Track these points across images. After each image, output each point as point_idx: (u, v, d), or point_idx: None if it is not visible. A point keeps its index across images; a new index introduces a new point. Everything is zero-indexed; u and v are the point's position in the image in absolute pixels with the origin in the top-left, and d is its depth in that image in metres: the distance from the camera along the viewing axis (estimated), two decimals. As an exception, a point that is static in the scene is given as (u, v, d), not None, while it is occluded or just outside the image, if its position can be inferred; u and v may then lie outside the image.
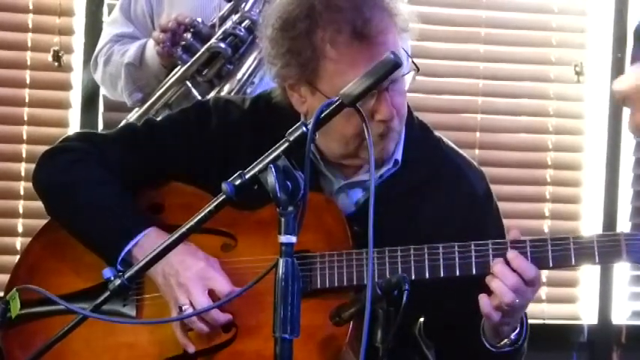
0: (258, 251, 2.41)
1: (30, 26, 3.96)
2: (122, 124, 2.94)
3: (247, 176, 1.86)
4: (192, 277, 2.39)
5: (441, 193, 2.50)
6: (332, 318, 2.24)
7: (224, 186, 1.87)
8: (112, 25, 3.43)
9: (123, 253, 2.42)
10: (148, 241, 2.42)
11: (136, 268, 1.94)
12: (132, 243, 2.42)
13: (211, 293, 2.40)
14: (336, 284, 2.37)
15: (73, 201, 2.52)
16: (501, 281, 2.27)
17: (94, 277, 2.41)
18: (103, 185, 2.51)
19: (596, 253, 2.30)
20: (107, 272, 1.95)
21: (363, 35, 2.34)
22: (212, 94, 3.12)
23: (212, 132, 2.54)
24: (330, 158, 2.49)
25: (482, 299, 2.29)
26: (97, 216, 2.49)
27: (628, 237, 2.29)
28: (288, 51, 2.39)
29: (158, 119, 2.69)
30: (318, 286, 2.37)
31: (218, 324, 2.40)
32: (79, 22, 3.98)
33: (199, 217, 1.90)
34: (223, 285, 2.40)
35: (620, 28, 4.25)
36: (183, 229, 1.91)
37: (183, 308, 2.39)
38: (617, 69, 4.21)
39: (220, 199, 1.87)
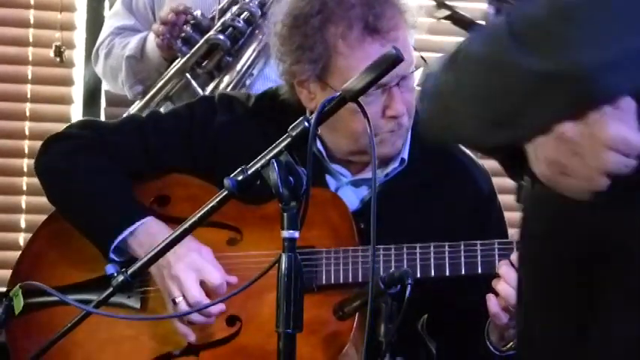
0: (263, 246, 2.41)
1: (31, 22, 3.95)
2: (125, 115, 2.94)
3: (249, 172, 1.86)
4: (184, 269, 2.39)
5: (447, 192, 2.51)
6: (335, 312, 2.24)
7: (226, 181, 1.86)
8: (113, 17, 3.43)
9: (117, 241, 2.42)
10: (144, 231, 2.42)
11: (138, 264, 1.94)
12: (127, 231, 2.42)
13: (203, 284, 2.40)
14: (341, 281, 2.36)
15: (71, 188, 2.53)
16: (507, 283, 2.27)
17: (98, 267, 2.41)
18: (103, 173, 2.52)
19: None
20: (110, 268, 1.94)
21: (374, 31, 2.35)
22: (211, 86, 3.12)
23: (216, 128, 2.53)
24: (337, 155, 2.49)
25: (491, 299, 2.29)
26: (95, 203, 2.49)
27: None
28: (299, 47, 2.39)
29: (162, 112, 2.69)
30: (323, 282, 2.37)
31: (211, 315, 2.40)
32: (80, 17, 3.98)
33: (202, 213, 1.89)
34: (215, 276, 2.40)
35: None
36: (186, 225, 1.91)
37: (176, 301, 2.39)
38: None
39: (223, 194, 1.87)
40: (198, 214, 1.90)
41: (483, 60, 1.47)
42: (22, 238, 3.91)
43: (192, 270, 2.40)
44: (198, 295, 2.38)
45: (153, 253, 1.94)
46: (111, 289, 1.92)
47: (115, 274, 1.93)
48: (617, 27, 1.37)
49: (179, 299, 2.39)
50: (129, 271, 1.92)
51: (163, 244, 1.94)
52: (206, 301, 2.38)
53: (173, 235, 1.94)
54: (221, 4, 3.17)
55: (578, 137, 1.42)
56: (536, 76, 1.39)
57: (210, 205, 1.89)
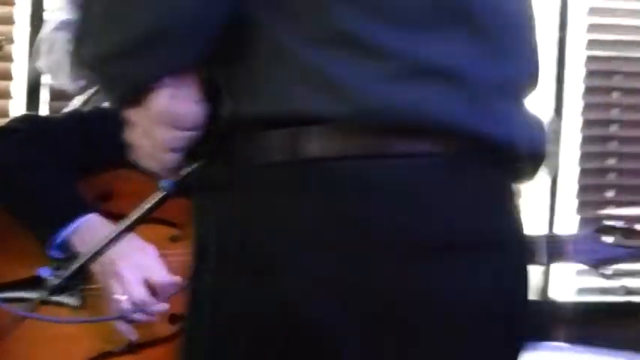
0: (206, 242, 2.39)
1: (-31, 16, 3.91)
2: (67, 109, 2.92)
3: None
4: (128, 267, 2.37)
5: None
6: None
7: (163, 183, 1.85)
8: (57, 12, 3.40)
9: (59, 238, 2.39)
10: (87, 228, 2.39)
11: (75, 265, 1.91)
12: (70, 228, 2.39)
13: (147, 283, 2.38)
14: None
15: (11, 183, 2.48)
16: None
17: (41, 264, 2.38)
18: (44, 167, 2.48)
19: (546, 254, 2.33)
20: (44, 271, 1.91)
21: None
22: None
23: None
24: None
25: None
26: (35, 199, 2.45)
27: (573, 238, 2.34)
28: None
29: (105, 107, 2.66)
30: None
31: (154, 313, 2.39)
32: (20, 11, 3.94)
33: (137, 215, 1.87)
34: (161, 275, 2.39)
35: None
36: (122, 227, 1.89)
37: (119, 300, 2.37)
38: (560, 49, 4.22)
39: (159, 196, 1.85)
40: (134, 217, 1.88)
41: None
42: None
43: (137, 268, 2.38)
44: (142, 294, 2.37)
45: (90, 255, 1.92)
46: (45, 292, 1.90)
47: (49, 277, 1.90)
48: (115, 18, 1.39)
49: (122, 298, 2.38)
50: (63, 276, 1.89)
51: (98, 247, 1.92)
52: (150, 300, 2.36)
53: (109, 238, 1.91)
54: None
55: (139, 119, 1.48)
56: (81, 68, 1.46)
57: (146, 207, 1.87)
